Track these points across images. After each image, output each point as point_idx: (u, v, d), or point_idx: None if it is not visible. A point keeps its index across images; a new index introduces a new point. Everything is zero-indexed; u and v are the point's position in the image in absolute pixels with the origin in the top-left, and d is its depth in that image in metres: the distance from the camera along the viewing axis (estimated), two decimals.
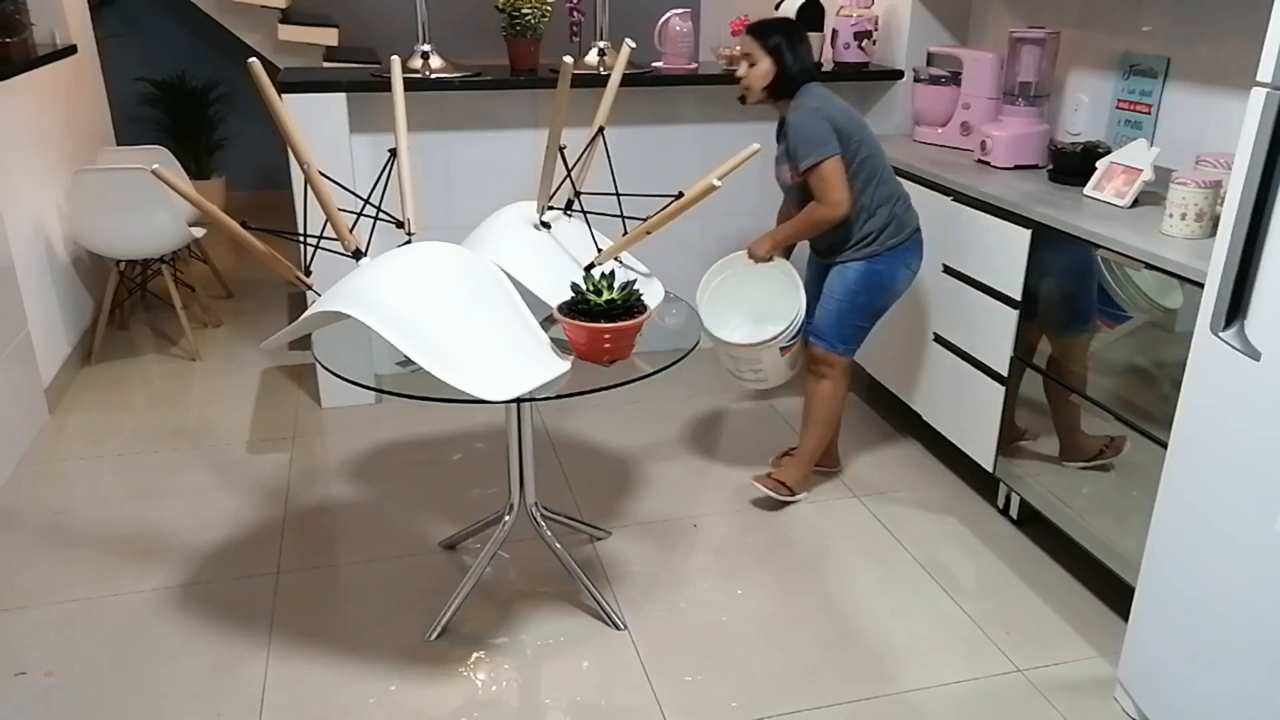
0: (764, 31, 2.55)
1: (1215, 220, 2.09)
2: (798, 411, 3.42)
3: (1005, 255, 2.59)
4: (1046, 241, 2.45)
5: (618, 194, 2.23)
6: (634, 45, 2.40)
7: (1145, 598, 1.99)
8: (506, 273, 2.11)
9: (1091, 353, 2.37)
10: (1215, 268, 1.74)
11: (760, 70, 2.54)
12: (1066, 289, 2.41)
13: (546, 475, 2.96)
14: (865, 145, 2.53)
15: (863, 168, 2.53)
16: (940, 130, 3.25)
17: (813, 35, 3.49)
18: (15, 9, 3.51)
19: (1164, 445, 1.97)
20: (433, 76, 3.20)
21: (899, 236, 2.61)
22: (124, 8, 5.42)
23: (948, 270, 2.86)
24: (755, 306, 2.83)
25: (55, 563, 2.53)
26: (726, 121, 3.63)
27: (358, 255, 2.09)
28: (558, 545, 2.40)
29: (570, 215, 2.34)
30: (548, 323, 2.11)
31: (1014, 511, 2.76)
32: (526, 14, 3.25)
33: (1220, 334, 1.73)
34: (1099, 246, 2.26)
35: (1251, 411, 1.68)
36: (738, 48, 2.65)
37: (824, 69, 3.55)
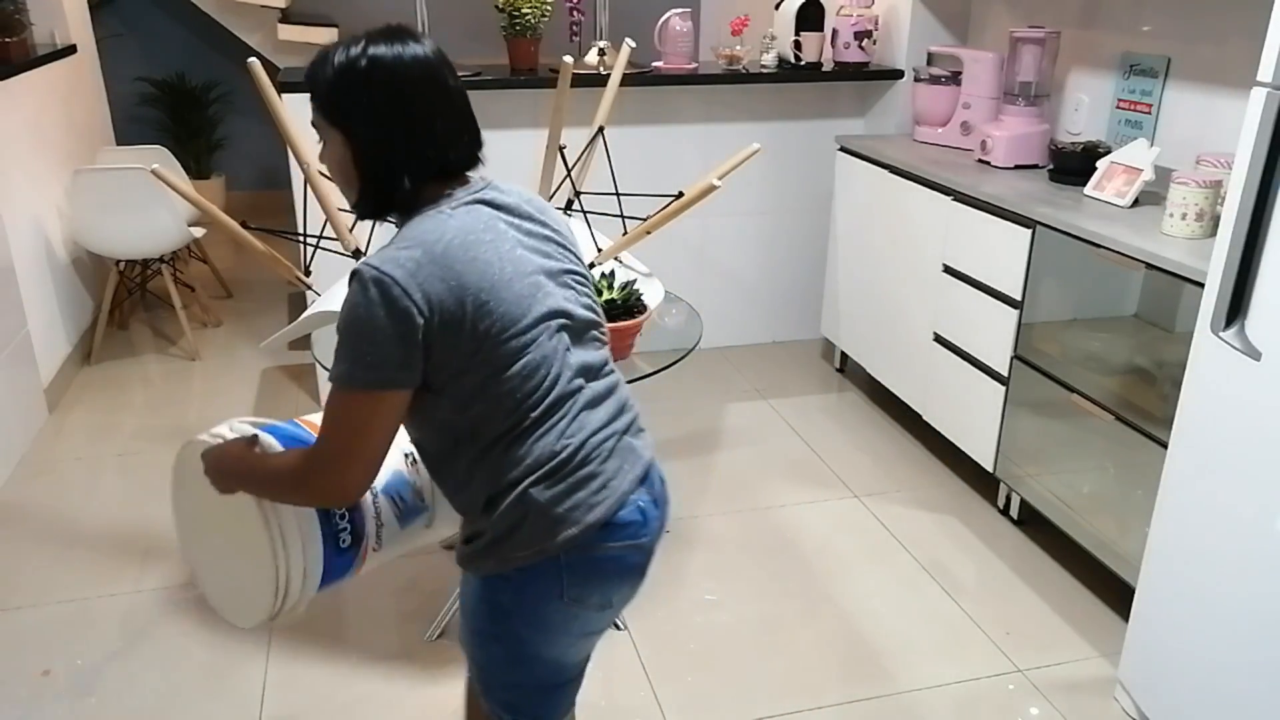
0: (325, 86, 1.24)
1: (1215, 220, 2.08)
2: (800, 411, 3.43)
3: (1005, 255, 2.59)
4: None
5: (618, 194, 2.23)
6: (634, 45, 2.40)
7: (1145, 598, 1.99)
8: None
9: (1091, 352, 2.37)
10: (1215, 268, 1.74)
11: (332, 154, 1.27)
12: None
13: None
14: (488, 339, 1.20)
15: (472, 389, 1.22)
16: (940, 130, 3.25)
17: (813, 35, 3.50)
18: (15, 9, 3.50)
19: (1164, 445, 1.97)
20: None
21: (537, 543, 1.25)
22: (124, 8, 5.42)
23: (948, 270, 2.86)
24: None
25: (55, 563, 2.53)
26: (726, 121, 3.63)
27: (358, 255, 2.09)
28: None
29: (570, 215, 2.34)
30: None
31: (1014, 511, 2.76)
32: (526, 14, 3.25)
33: (1220, 334, 1.73)
34: (1099, 246, 2.26)
35: (1251, 411, 1.68)
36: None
37: (824, 69, 3.55)
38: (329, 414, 1.21)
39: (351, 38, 1.24)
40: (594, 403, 1.29)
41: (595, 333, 1.33)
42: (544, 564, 1.26)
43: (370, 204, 1.28)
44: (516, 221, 1.28)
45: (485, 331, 1.19)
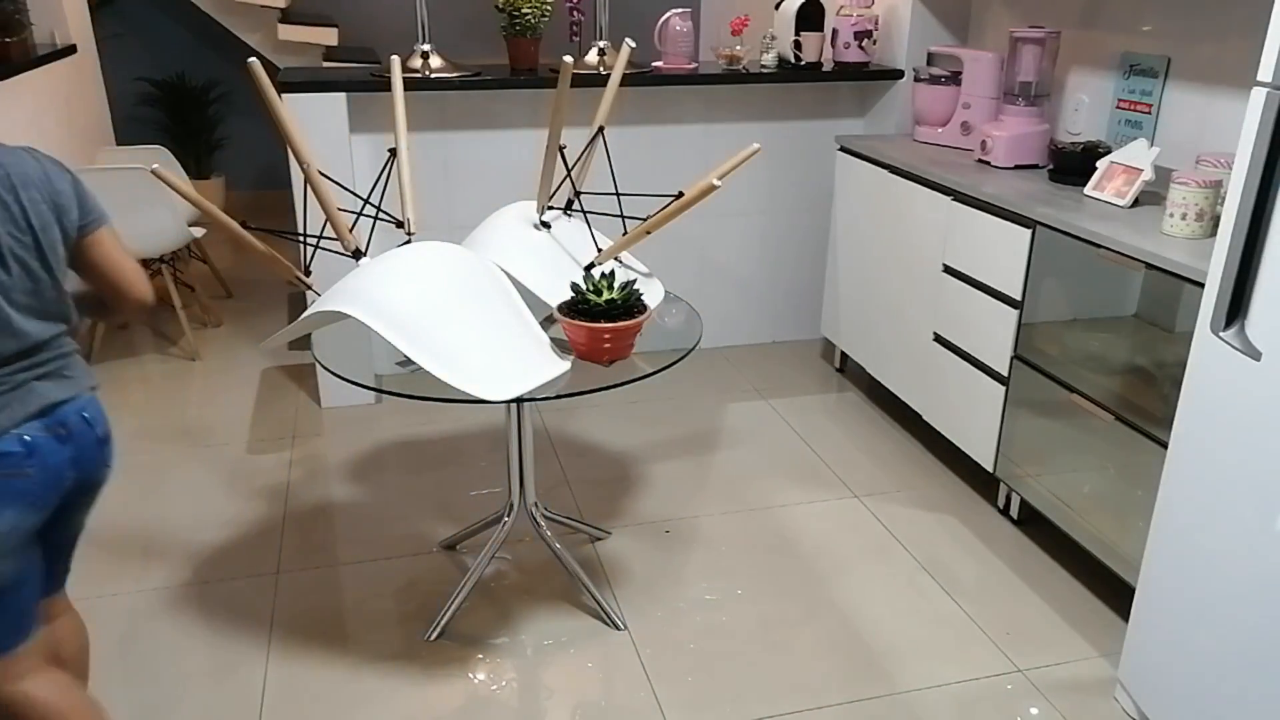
0: None
1: (1215, 220, 2.09)
2: (799, 411, 3.43)
3: (1005, 255, 2.59)
4: None
5: (618, 194, 2.23)
6: (634, 45, 2.39)
7: (1145, 598, 1.99)
8: (506, 273, 2.11)
9: (1091, 352, 2.37)
10: (1215, 268, 1.74)
11: None
12: None
13: (546, 475, 2.96)
14: None
15: None
16: (941, 130, 3.25)
17: (813, 35, 3.50)
18: (15, 9, 3.50)
19: (1164, 445, 1.97)
20: (433, 76, 3.20)
21: None
22: (124, 8, 5.42)
23: (948, 270, 2.86)
24: None
25: None
26: (726, 121, 3.63)
27: (357, 255, 2.09)
28: (558, 545, 2.40)
29: (570, 215, 2.34)
30: (548, 323, 2.11)
31: (1014, 511, 2.76)
32: (526, 14, 3.25)
33: (1220, 334, 1.73)
34: (1099, 246, 2.26)
35: (1251, 411, 1.68)
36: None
37: (824, 69, 3.55)
38: None
39: None
40: (4, 360, 1.46)
41: (36, 308, 1.49)
42: None
43: None
44: None
45: None
